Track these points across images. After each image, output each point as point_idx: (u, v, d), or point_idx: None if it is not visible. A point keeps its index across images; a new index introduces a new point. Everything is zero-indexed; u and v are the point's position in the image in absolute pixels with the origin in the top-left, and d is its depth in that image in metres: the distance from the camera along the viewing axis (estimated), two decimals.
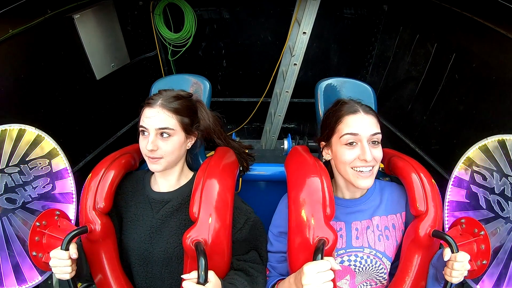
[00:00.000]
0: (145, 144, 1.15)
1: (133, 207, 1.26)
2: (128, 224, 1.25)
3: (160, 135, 1.16)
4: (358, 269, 1.20)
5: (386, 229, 1.22)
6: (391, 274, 1.22)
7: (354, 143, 1.13)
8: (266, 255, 1.27)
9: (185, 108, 1.21)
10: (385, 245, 1.21)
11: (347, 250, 1.20)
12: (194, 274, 0.99)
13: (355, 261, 1.20)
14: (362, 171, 1.12)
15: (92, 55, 1.95)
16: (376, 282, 1.22)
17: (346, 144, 1.14)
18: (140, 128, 1.18)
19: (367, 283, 1.22)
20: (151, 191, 1.26)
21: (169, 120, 1.16)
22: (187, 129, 1.21)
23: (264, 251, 1.27)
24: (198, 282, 0.96)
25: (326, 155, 1.24)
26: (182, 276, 1.01)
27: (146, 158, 1.19)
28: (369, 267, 1.20)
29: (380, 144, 1.16)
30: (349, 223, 1.23)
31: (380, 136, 1.15)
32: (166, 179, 1.26)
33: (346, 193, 1.25)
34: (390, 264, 1.21)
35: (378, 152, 1.14)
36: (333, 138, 1.19)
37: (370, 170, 1.13)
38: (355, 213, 1.23)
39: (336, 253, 1.20)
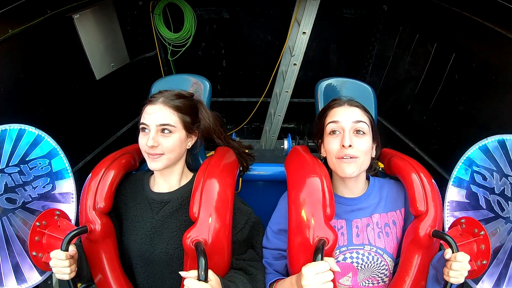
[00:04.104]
0: (146, 140, 1.14)
1: (133, 208, 1.26)
2: (129, 226, 1.25)
3: (161, 131, 1.16)
4: (360, 267, 1.20)
5: (386, 226, 1.23)
6: (394, 272, 1.22)
7: (338, 132, 1.18)
8: (261, 251, 1.28)
9: (187, 107, 1.21)
10: (385, 241, 1.21)
11: (348, 248, 1.21)
12: (193, 273, 0.99)
13: (357, 258, 1.20)
14: (343, 157, 1.14)
15: (91, 55, 1.95)
16: (378, 280, 1.22)
17: (330, 133, 1.19)
18: (141, 126, 1.18)
19: (369, 281, 1.23)
20: (150, 192, 1.26)
21: (171, 116, 1.16)
22: (188, 128, 1.21)
23: (260, 248, 1.28)
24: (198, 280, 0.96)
25: (323, 152, 1.27)
26: (180, 273, 1.01)
27: (146, 156, 1.18)
28: (371, 264, 1.20)
29: (366, 135, 1.18)
30: (350, 221, 1.23)
31: (364, 125, 1.18)
32: (166, 180, 1.26)
33: (345, 191, 1.26)
34: (391, 260, 1.21)
35: (361, 142, 1.15)
36: (324, 133, 1.24)
37: (352, 158, 1.14)
38: (355, 211, 1.24)
39: (338, 251, 1.21)
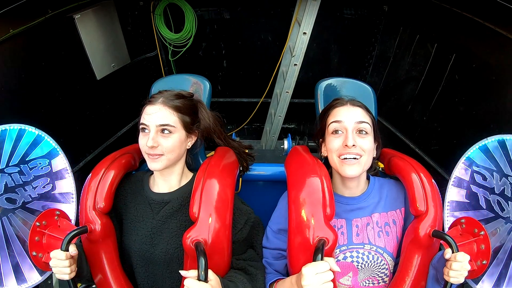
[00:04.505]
0: (145, 141, 1.14)
1: (133, 208, 1.26)
2: (129, 226, 1.25)
3: (161, 131, 1.16)
4: (361, 266, 1.21)
5: (386, 225, 1.23)
6: (394, 272, 1.22)
7: (340, 132, 1.18)
8: (261, 251, 1.28)
9: (186, 107, 1.21)
10: (385, 241, 1.21)
11: (348, 247, 1.21)
12: (193, 273, 0.99)
13: (357, 257, 1.20)
14: (346, 158, 1.15)
15: (92, 55, 1.95)
16: (378, 280, 1.22)
17: (332, 133, 1.20)
18: (141, 126, 1.18)
19: (369, 281, 1.23)
20: (150, 192, 1.26)
21: (170, 117, 1.17)
22: (188, 128, 1.22)
23: (259, 247, 1.28)
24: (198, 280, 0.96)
25: (324, 151, 1.27)
26: (180, 272, 1.01)
27: (145, 156, 1.19)
28: (371, 263, 1.20)
29: (368, 135, 1.19)
30: (350, 220, 1.24)
31: (367, 125, 1.18)
32: (166, 180, 1.26)
33: (345, 190, 1.26)
34: (391, 260, 1.21)
35: (364, 142, 1.16)
36: (326, 132, 1.24)
37: (355, 159, 1.14)
38: (355, 210, 1.24)
39: (338, 250, 1.21)
